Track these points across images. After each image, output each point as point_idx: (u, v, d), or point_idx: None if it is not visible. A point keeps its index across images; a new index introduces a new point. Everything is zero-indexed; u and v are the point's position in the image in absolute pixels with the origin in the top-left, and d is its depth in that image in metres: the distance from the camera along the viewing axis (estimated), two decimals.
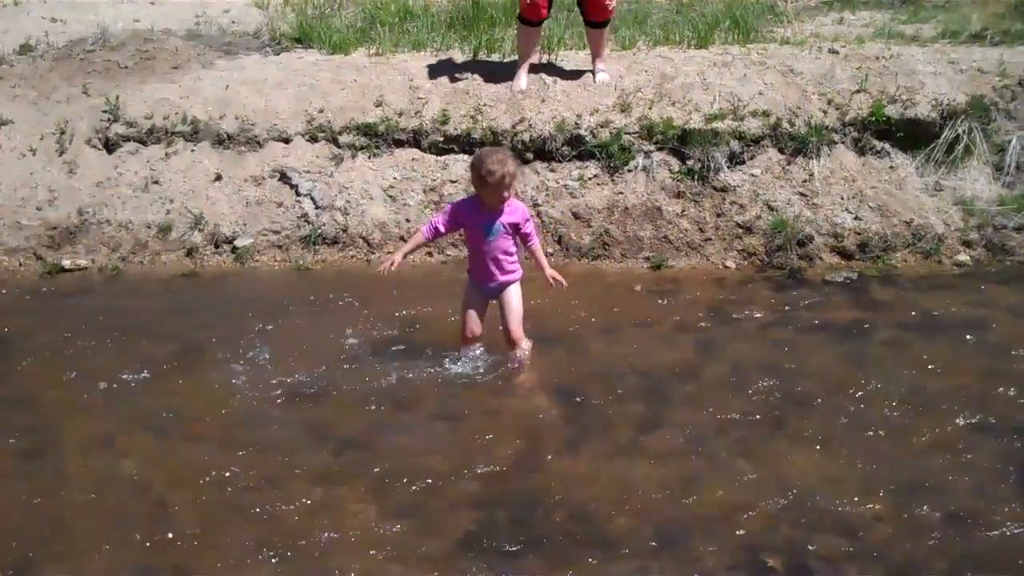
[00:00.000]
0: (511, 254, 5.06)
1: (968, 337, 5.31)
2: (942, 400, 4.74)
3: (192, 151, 7.07)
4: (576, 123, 6.78)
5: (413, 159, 6.94)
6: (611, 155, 6.68)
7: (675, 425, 4.65)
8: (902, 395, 4.79)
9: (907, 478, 4.19)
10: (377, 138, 6.98)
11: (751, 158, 6.67)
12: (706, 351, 5.32)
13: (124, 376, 5.17)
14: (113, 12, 9.13)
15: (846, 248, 6.34)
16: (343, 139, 7.01)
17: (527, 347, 5.15)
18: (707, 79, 6.99)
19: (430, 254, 6.54)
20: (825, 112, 6.74)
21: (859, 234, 6.36)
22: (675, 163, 6.67)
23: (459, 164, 6.78)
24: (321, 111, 7.11)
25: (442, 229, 5.05)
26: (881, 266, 6.23)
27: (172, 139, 7.11)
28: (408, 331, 5.50)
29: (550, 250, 6.36)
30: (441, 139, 6.93)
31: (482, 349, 5.16)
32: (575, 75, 7.12)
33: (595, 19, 6.79)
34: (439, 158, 6.92)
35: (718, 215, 6.53)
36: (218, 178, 6.94)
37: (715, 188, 6.59)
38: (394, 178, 6.87)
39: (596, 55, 7.04)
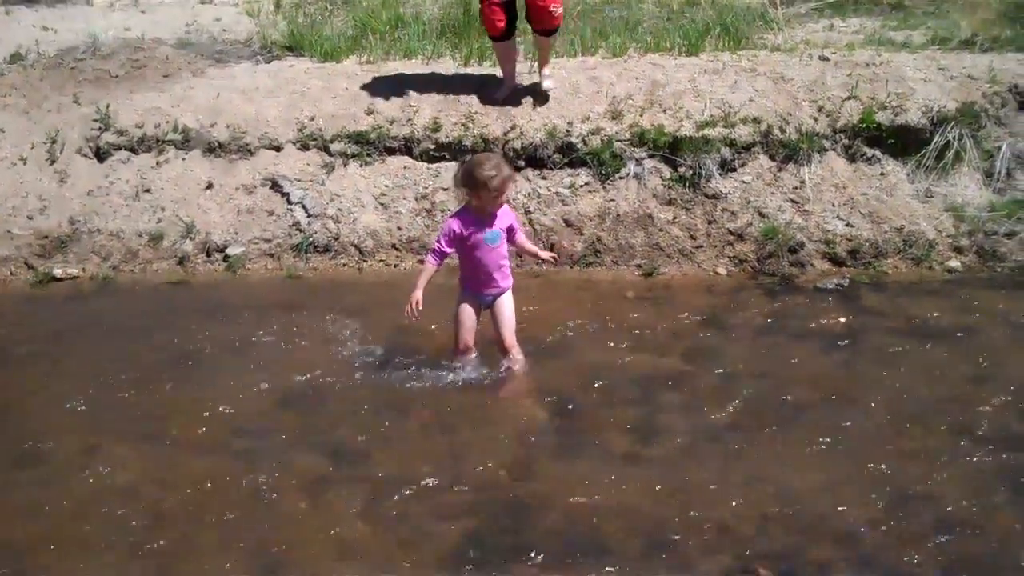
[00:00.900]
0: (508, 258, 5.10)
1: (959, 343, 5.32)
2: (933, 406, 4.74)
3: (183, 159, 7.06)
4: (567, 130, 6.79)
5: (405, 167, 6.94)
6: (602, 162, 6.69)
7: (667, 432, 4.65)
8: (893, 401, 4.80)
9: (898, 485, 4.19)
10: (368, 146, 6.98)
11: (742, 165, 6.69)
12: (698, 358, 5.31)
13: (115, 384, 5.16)
14: (104, 21, 9.12)
15: (837, 255, 6.35)
16: (334, 147, 7.00)
17: (520, 355, 5.15)
18: (698, 86, 7.00)
19: (421, 261, 6.51)
20: (816, 119, 6.76)
21: (850, 240, 6.38)
22: (666, 170, 6.68)
23: (451, 172, 6.73)
24: (312, 119, 7.11)
25: (448, 251, 4.98)
26: (872, 272, 6.25)
27: (163, 147, 7.11)
28: (400, 339, 5.48)
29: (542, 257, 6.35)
30: (432, 147, 6.93)
31: (475, 357, 5.16)
32: (565, 83, 7.11)
33: (539, 28, 6.72)
34: (431, 166, 6.93)
35: (709, 222, 6.53)
36: (209, 186, 6.93)
37: (706, 195, 6.60)
38: (386, 186, 6.87)
39: (542, 62, 6.99)
